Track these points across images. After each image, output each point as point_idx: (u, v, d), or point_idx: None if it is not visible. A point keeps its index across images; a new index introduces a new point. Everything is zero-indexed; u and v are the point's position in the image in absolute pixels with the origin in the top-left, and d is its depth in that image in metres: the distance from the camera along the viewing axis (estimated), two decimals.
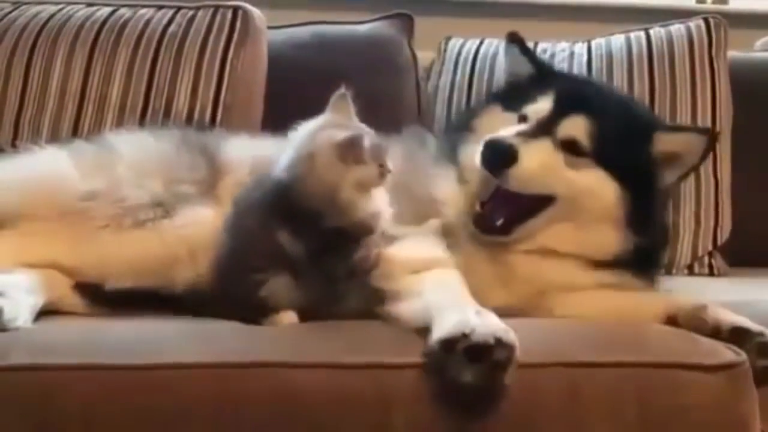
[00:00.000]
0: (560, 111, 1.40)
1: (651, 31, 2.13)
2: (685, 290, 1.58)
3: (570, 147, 1.39)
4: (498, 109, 1.50)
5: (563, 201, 1.38)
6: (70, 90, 1.88)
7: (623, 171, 1.38)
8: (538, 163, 1.35)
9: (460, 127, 1.53)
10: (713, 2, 2.68)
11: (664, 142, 1.42)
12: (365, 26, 2.21)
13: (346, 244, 1.24)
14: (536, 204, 1.38)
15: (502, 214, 1.37)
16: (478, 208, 1.38)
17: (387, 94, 2.04)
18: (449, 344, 1.05)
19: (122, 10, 1.96)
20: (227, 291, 1.26)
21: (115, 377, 1.02)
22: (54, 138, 1.79)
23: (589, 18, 2.53)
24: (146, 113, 1.86)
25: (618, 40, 2.13)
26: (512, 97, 1.49)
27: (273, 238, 1.24)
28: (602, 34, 2.18)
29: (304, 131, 1.30)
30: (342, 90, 1.32)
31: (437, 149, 1.52)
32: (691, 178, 1.96)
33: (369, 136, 1.27)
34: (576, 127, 1.39)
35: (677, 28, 2.11)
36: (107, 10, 1.97)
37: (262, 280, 1.23)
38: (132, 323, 1.22)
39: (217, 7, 1.96)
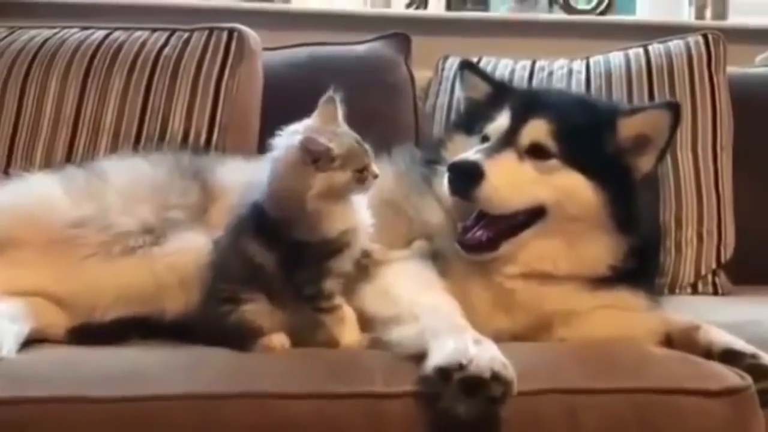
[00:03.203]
0: (518, 120, 1.38)
1: (650, 48, 2.11)
2: (687, 310, 1.54)
3: (536, 152, 1.36)
4: (462, 136, 1.48)
5: (552, 211, 1.34)
6: (64, 115, 1.87)
7: (595, 167, 1.34)
8: (505, 175, 1.32)
9: (430, 160, 1.49)
10: (712, 18, 2.66)
11: (627, 126, 1.38)
12: (362, 47, 2.20)
13: (320, 260, 1.21)
14: (526, 219, 1.35)
15: (488, 231, 1.33)
16: (460, 230, 1.35)
17: (383, 114, 2.03)
18: (445, 373, 1.02)
19: (117, 33, 1.96)
20: (208, 317, 1.24)
21: (96, 410, 1.00)
22: (47, 164, 1.78)
23: (587, 36, 2.51)
24: (141, 137, 1.85)
25: (617, 57, 2.11)
26: (472, 121, 1.48)
27: (244, 252, 1.22)
28: (600, 51, 2.16)
29: (281, 136, 1.28)
30: (330, 93, 1.30)
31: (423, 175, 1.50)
32: (693, 195, 1.95)
33: (347, 141, 1.23)
34: (537, 130, 1.36)
35: (676, 45, 2.10)
36: (102, 33, 1.96)
37: (236, 299, 1.20)
38: (116, 353, 1.20)
39: (212, 29, 1.95)
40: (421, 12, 2.65)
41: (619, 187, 1.35)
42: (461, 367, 1.01)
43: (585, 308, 1.35)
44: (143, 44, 1.93)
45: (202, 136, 1.85)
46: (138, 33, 1.96)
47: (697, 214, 1.95)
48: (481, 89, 1.54)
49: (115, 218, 1.36)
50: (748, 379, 1.14)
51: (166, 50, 1.92)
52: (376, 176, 1.26)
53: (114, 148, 1.83)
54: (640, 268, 1.39)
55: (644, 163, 1.39)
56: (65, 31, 1.99)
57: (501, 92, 1.51)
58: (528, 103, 1.43)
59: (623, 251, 1.35)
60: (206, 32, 1.95)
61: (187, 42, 1.93)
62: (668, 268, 1.88)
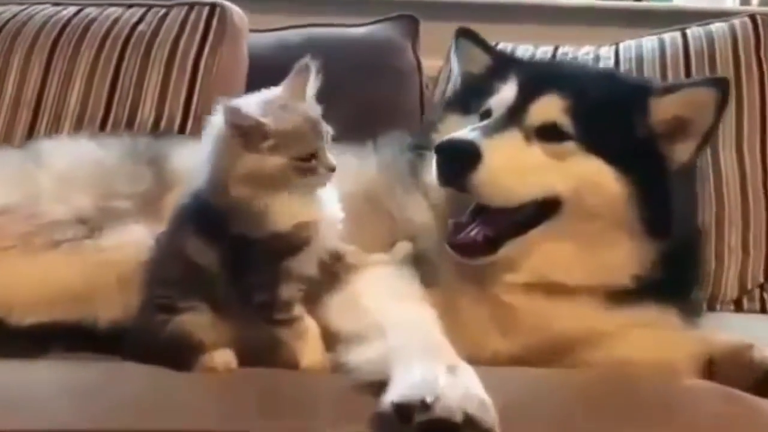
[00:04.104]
0: (527, 94, 1.15)
1: (688, 32, 1.89)
2: (729, 330, 1.29)
3: (548, 133, 1.12)
4: (456, 116, 1.24)
5: (567, 206, 1.10)
6: (25, 98, 1.70)
7: (622, 153, 1.11)
8: (509, 159, 1.07)
9: (418, 146, 1.26)
10: (760, 4, 2.40)
11: (663, 107, 1.15)
12: (363, 29, 2.00)
13: (272, 260, 1.00)
14: (534, 215, 1.11)
15: (486, 229, 1.09)
16: (451, 228, 1.10)
17: (386, 102, 1.83)
18: (405, 412, 0.79)
19: (89, 9, 1.78)
20: (142, 328, 1.03)
21: None
22: None
23: (617, 23, 2.27)
24: (107, 122, 1.66)
25: (650, 42, 1.90)
26: (470, 97, 1.24)
27: (181, 251, 1.01)
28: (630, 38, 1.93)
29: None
30: (306, 60, 1.09)
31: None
32: (737, 197, 1.71)
33: (292, 118, 1.01)
34: (550, 107, 1.13)
35: (719, 28, 1.87)
36: (73, 9, 1.79)
37: (173, 308, 1.00)
38: (4, 368, 0.98)
39: (192, 5, 1.77)
40: None
41: (650, 179, 1.12)
42: (425, 405, 0.78)
43: (602, 329, 1.10)
44: (116, 21, 1.75)
45: (176, 122, 1.66)
46: (111, 9, 1.78)
47: (742, 219, 1.71)
48: (481, 62, 1.30)
49: (45, 206, 1.16)
50: None
51: (140, 27, 1.73)
52: (331, 168, 1.02)
53: (78, 133, 1.63)
54: (674, 279, 1.14)
55: (682, 152, 1.15)
56: (34, 7, 1.81)
57: (505, 64, 1.27)
58: (540, 74, 1.21)
59: (652, 258, 1.11)
60: (185, 8, 1.76)
61: (163, 18, 1.75)
62: (707, 281, 1.63)
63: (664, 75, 1.81)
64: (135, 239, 1.14)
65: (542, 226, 1.11)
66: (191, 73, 1.69)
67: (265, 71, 1.76)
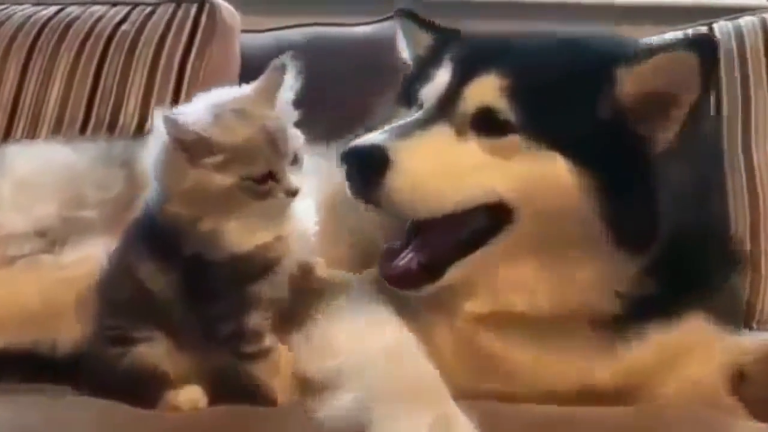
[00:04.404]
0: (461, 78, 0.96)
1: (715, 27, 1.74)
2: None
3: (486, 123, 0.92)
4: (405, 110, 1.04)
5: (519, 213, 0.91)
6: (1, 99, 1.58)
7: (581, 143, 0.89)
8: (430, 159, 0.89)
9: None
10: None
11: (632, 80, 0.92)
12: (367, 27, 1.87)
13: (234, 286, 0.86)
14: (483, 229, 0.92)
15: (420, 254, 0.91)
16: (382, 254, 0.93)
17: (390, 101, 1.70)
18: None
19: (71, 8, 1.67)
20: (97, 360, 0.90)
21: None
22: None
23: (635, 21, 2.14)
24: (88, 125, 1.54)
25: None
26: (413, 87, 1.05)
27: (132, 274, 0.88)
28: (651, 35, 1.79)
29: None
30: (282, 59, 0.96)
31: None
32: None
33: (245, 132, 0.87)
34: (484, 90, 0.93)
35: (749, 22, 1.72)
36: (54, 8, 1.68)
37: (128, 339, 0.87)
38: None
39: (179, 2, 1.65)
40: None
41: (622, 171, 0.90)
42: None
43: (603, 380, 0.91)
44: (98, 19, 1.63)
45: None
46: (95, 7, 1.66)
47: None
48: (424, 43, 1.12)
49: (1, 217, 1.05)
50: None
51: (124, 26, 1.61)
52: (291, 193, 0.88)
53: (56, 136, 1.52)
54: (679, 286, 0.94)
55: (664, 132, 0.92)
56: (14, 7, 1.71)
57: (444, 43, 1.07)
58: (478, 51, 0.99)
59: (636, 270, 0.91)
60: (172, 5, 1.64)
61: (149, 16, 1.63)
62: (742, 296, 1.47)
63: None
64: (99, 254, 1.01)
65: (493, 243, 0.92)
66: (177, 74, 1.56)
67: (261, 72, 1.68)
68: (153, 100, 1.55)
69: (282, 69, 0.95)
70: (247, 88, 0.94)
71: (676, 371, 0.95)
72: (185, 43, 1.59)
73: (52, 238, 1.05)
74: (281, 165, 0.88)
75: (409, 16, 1.15)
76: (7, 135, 1.56)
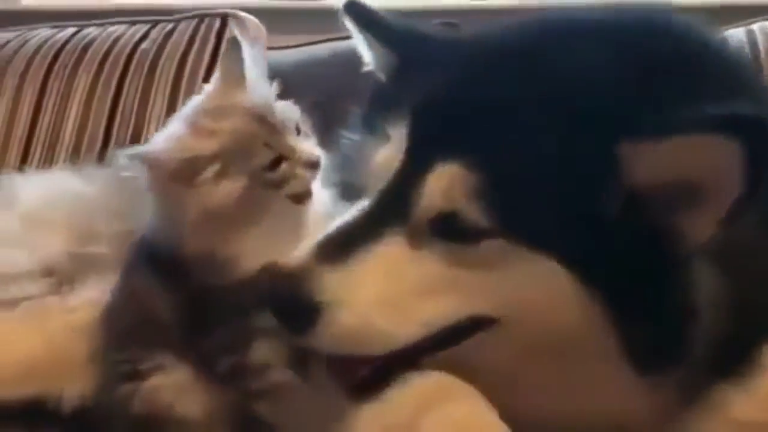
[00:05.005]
0: (418, 159, 0.71)
1: (755, 28, 1.59)
2: None
3: (449, 229, 0.69)
4: (366, 140, 0.83)
5: (505, 327, 0.71)
6: (16, 131, 1.50)
7: (582, 243, 0.67)
8: (370, 288, 0.68)
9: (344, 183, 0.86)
10: None
11: (647, 165, 0.66)
12: None
13: (237, 314, 0.74)
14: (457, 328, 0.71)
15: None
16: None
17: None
18: None
19: (88, 29, 1.59)
20: (108, 407, 0.80)
21: None
22: None
23: None
24: (107, 150, 1.45)
25: None
26: (375, 117, 0.81)
27: (134, 295, 0.78)
28: None
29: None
30: (233, 35, 0.87)
31: None
32: None
33: (229, 125, 0.76)
34: (446, 186, 0.69)
35: None
36: (71, 30, 1.60)
37: (137, 374, 0.76)
38: None
39: (202, 17, 1.56)
40: (471, 3, 2.21)
41: (637, 275, 0.67)
42: None
43: None
44: (117, 39, 1.55)
45: None
46: (113, 27, 1.59)
47: None
48: (386, 61, 0.85)
49: (3, 254, 0.95)
50: None
51: (144, 44, 1.53)
52: (312, 163, 0.76)
53: (73, 163, 1.43)
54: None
55: (692, 229, 0.67)
56: (31, 32, 1.64)
57: (407, 66, 0.81)
58: (439, 113, 0.72)
59: (656, 385, 0.69)
60: (194, 21, 1.55)
61: (170, 34, 1.54)
62: None
63: None
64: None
65: (472, 340, 0.71)
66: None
67: (289, 90, 1.59)
68: None
69: (236, 44, 0.83)
70: (211, 83, 0.84)
71: None
72: (208, 60, 1.50)
73: (60, 277, 0.94)
74: (284, 141, 0.76)
75: (361, 16, 0.87)
76: (24, 160, 1.48)
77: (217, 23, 1.54)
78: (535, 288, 0.68)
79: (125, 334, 0.80)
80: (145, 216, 0.96)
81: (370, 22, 0.85)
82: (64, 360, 0.89)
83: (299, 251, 0.69)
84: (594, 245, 0.67)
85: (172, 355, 0.77)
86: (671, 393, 0.70)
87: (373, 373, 0.70)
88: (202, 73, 1.49)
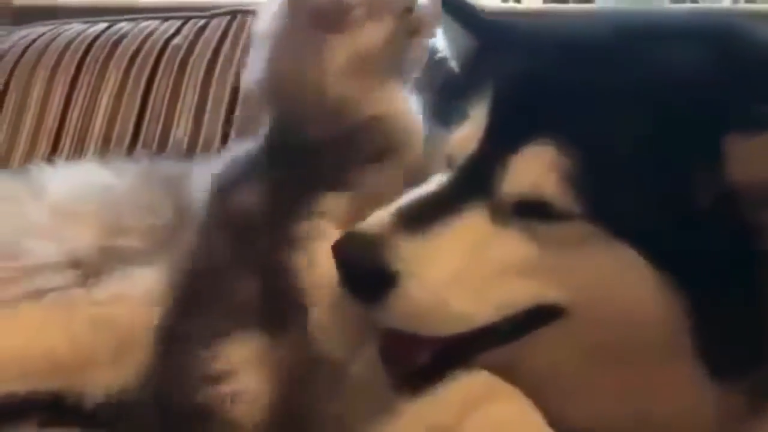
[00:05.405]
0: (501, 137, 0.69)
1: None
2: None
3: (535, 211, 0.67)
4: (442, 134, 0.79)
5: (575, 318, 0.68)
6: (46, 124, 1.49)
7: (668, 237, 0.65)
8: (448, 264, 0.65)
9: None
10: None
11: (747, 157, 0.64)
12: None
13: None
14: (521, 320, 0.69)
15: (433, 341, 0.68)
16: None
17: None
18: None
19: (120, 25, 1.58)
20: (169, 399, 0.76)
21: None
22: None
23: None
24: (136, 144, 1.44)
25: None
26: (447, 107, 0.79)
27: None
28: None
29: None
30: None
31: None
32: None
33: None
34: (535, 170, 0.67)
35: None
36: (102, 25, 1.59)
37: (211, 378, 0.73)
38: None
39: (234, 13, 1.54)
40: (511, 5, 2.17)
41: (722, 272, 0.65)
42: None
43: None
44: (149, 35, 1.53)
45: (215, 145, 1.42)
46: (146, 23, 1.57)
47: None
48: (464, 45, 0.84)
49: (30, 244, 0.93)
50: None
51: (175, 40, 1.51)
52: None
53: (102, 157, 1.41)
54: None
55: None
56: (62, 26, 1.63)
57: (489, 50, 0.79)
58: (526, 91, 0.71)
59: (727, 390, 0.66)
60: (227, 17, 1.53)
61: (202, 30, 1.52)
62: None
63: None
64: (141, 288, 0.89)
65: (533, 336, 0.69)
66: (231, 90, 1.45)
67: None
68: (206, 119, 1.43)
69: None
70: None
71: None
72: (240, 57, 1.48)
73: (87, 270, 0.92)
74: None
75: (452, 7, 0.86)
76: (53, 153, 1.46)
77: (250, 19, 1.52)
78: (613, 277, 0.65)
79: (201, 324, 0.77)
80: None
81: (451, 4, 0.84)
82: (88, 356, 0.87)
83: (376, 217, 0.67)
84: (681, 238, 0.65)
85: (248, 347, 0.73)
86: (741, 399, 0.67)
87: (432, 361, 0.67)
88: (233, 69, 1.47)
